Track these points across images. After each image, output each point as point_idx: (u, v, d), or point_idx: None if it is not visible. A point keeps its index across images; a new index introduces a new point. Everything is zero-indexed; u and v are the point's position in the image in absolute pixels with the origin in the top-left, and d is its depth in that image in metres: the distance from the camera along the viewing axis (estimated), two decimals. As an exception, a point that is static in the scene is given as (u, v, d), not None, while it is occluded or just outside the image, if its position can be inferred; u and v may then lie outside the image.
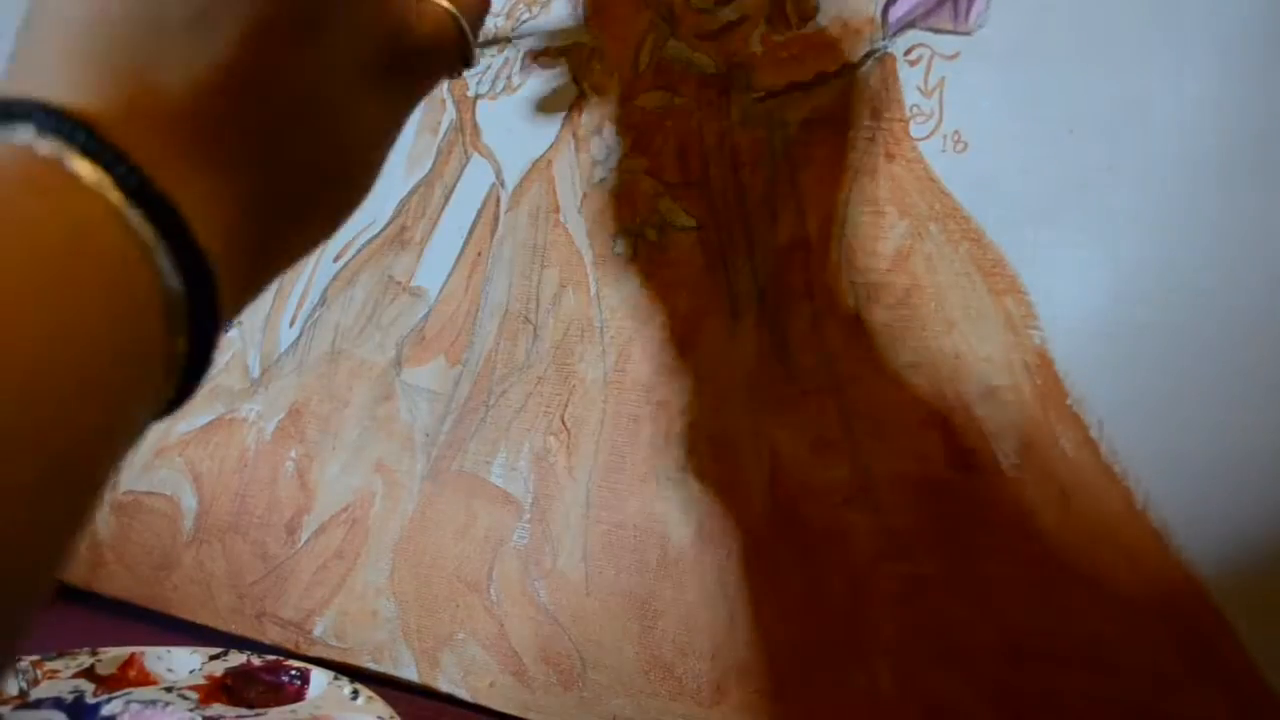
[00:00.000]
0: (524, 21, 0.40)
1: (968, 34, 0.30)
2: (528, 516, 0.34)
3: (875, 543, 0.28)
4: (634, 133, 0.35)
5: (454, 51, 0.27)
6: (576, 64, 0.38)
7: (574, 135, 0.37)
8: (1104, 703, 0.25)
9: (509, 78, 0.39)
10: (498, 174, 0.38)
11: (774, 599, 0.29)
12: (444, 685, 0.34)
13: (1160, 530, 0.25)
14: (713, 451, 0.31)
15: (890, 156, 0.30)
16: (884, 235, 0.30)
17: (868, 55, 0.32)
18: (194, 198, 0.20)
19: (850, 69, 0.32)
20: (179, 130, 0.20)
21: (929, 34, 0.31)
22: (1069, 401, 0.27)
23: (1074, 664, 0.25)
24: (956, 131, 0.30)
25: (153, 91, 0.20)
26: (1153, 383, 0.26)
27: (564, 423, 0.34)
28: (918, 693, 0.27)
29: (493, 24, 0.41)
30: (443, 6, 0.26)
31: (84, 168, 0.18)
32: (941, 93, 0.30)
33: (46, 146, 0.18)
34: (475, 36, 0.27)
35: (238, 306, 0.22)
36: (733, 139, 0.33)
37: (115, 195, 0.18)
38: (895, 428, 0.29)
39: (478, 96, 0.40)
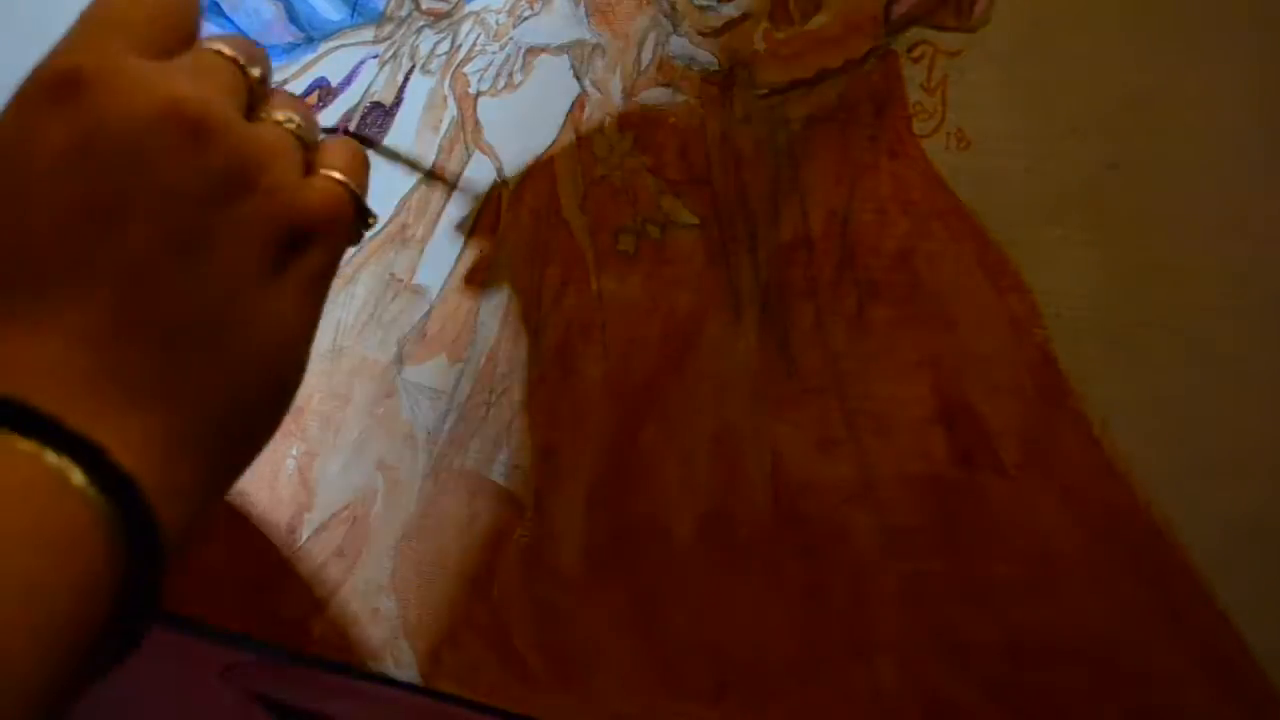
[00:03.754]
0: (525, 19, 0.40)
1: (971, 31, 0.30)
2: (529, 515, 0.34)
3: (877, 541, 0.28)
4: (636, 130, 0.35)
5: (350, 217, 0.26)
6: (579, 61, 0.38)
7: (576, 132, 0.37)
8: (1106, 701, 0.25)
9: (510, 75, 0.39)
10: (499, 171, 0.38)
11: (776, 597, 0.29)
12: (445, 684, 0.34)
13: (1162, 529, 0.25)
14: (715, 450, 0.31)
15: (893, 154, 0.30)
16: (886, 233, 0.30)
17: (870, 52, 0.32)
18: (114, 434, 0.20)
19: (853, 66, 0.32)
20: (80, 378, 0.20)
21: (932, 31, 0.31)
22: (1071, 400, 0.27)
23: (1075, 662, 0.25)
24: (959, 129, 0.30)
25: (44, 350, 0.20)
26: (1155, 382, 0.26)
27: (565, 420, 0.34)
28: (920, 691, 0.27)
29: (494, 21, 0.41)
30: (331, 178, 0.26)
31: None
32: (944, 90, 0.30)
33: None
34: (365, 196, 0.27)
35: (187, 525, 0.22)
36: (735, 136, 0.33)
37: (37, 450, 0.19)
38: (898, 426, 0.29)
39: (479, 94, 0.40)
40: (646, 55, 0.36)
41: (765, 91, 0.33)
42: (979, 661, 0.26)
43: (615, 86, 0.36)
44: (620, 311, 0.34)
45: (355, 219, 0.26)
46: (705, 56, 0.35)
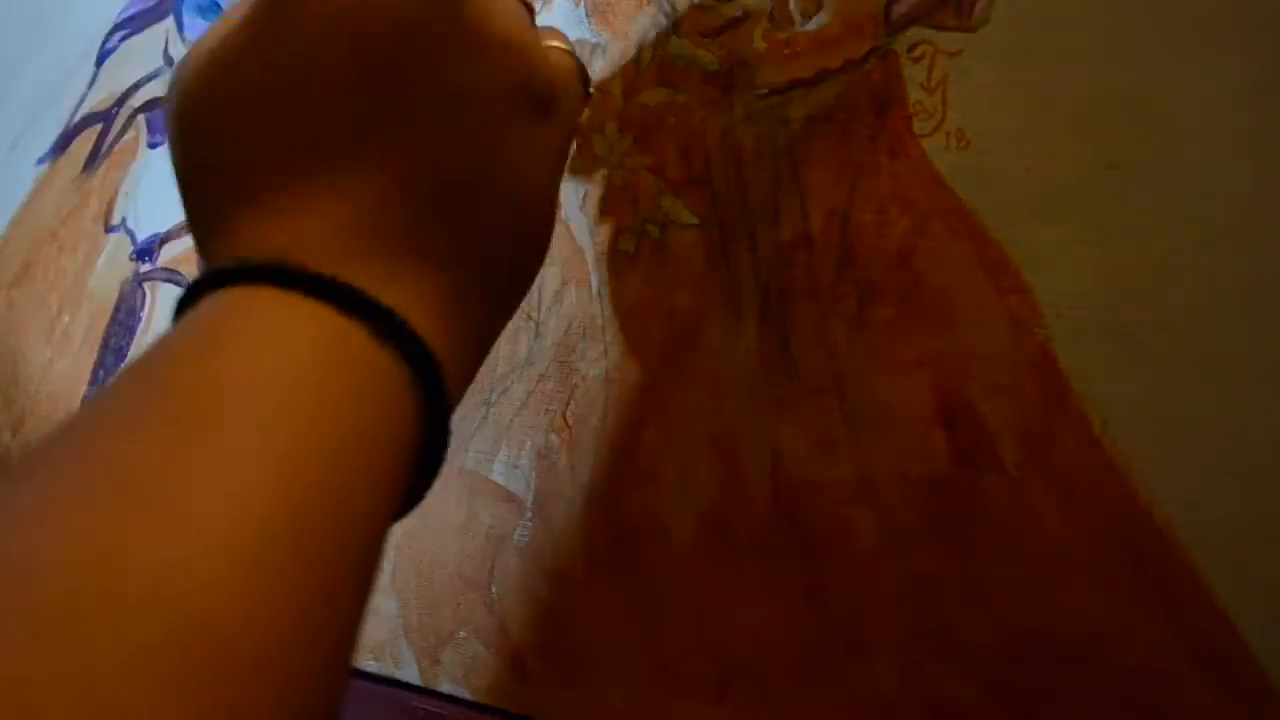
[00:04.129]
0: (526, 19, 0.40)
1: (971, 31, 0.30)
2: (529, 514, 0.34)
3: (878, 541, 0.28)
4: (636, 130, 0.35)
5: (578, 79, 0.28)
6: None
7: (576, 132, 0.37)
8: (1107, 701, 0.25)
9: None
10: (499, 171, 0.38)
11: (776, 597, 0.29)
12: (445, 684, 0.34)
13: (1162, 529, 0.25)
14: (714, 450, 0.31)
15: (893, 154, 0.30)
16: (887, 233, 0.30)
17: (870, 52, 0.32)
18: (409, 299, 0.21)
19: (853, 66, 0.32)
20: (378, 246, 0.22)
21: (932, 31, 0.31)
22: (1072, 399, 0.27)
23: (1077, 662, 0.25)
24: (960, 129, 0.30)
25: (346, 220, 0.22)
26: (1157, 381, 0.26)
27: (566, 420, 0.34)
28: (920, 691, 0.27)
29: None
30: (558, 47, 0.27)
31: (309, 305, 0.20)
32: (944, 90, 0.30)
33: (287, 296, 0.20)
34: (584, 66, 0.28)
35: (464, 385, 0.24)
36: (735, 136, 0.33)
37: (343, 322, 0.20)
38: (898, 426, 0.29)
39: (479, 94, 0.40)
40: (646, 55, 0.36)
41: (765, 91, 0.33)
42: (979, 661, 0.26)
43: (615, 86, 0.36)
44: (620, 311, 0.34)
45: (580, 83, 0.28)
46: (705, 57, 0.35)
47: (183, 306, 0.21)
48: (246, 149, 0.22)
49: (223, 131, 0.23)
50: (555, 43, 0.27)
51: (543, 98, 0.25)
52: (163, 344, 0.19)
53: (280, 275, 0.20)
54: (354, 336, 0.20)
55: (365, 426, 0.19)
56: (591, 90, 0.29)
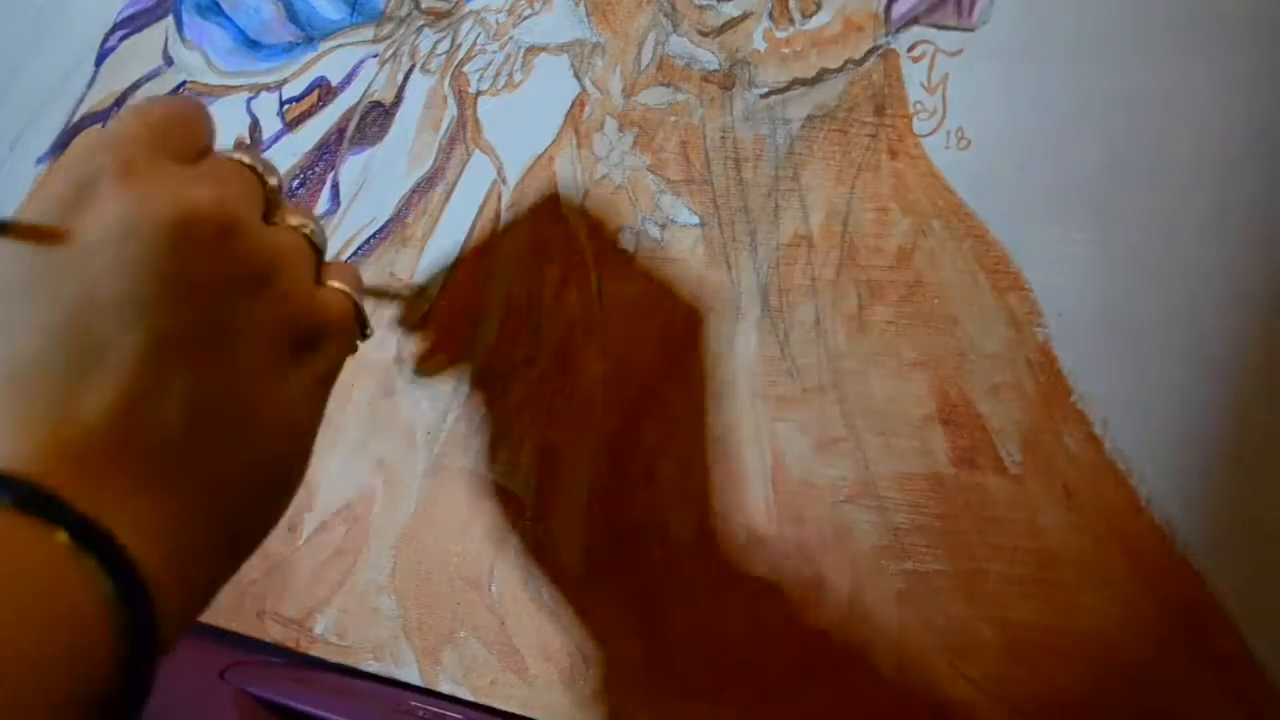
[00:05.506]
0: (525, 19, 0.40)
1: (971, 30, 0.30)
2: (529, 514, 0.34)
3: (877, 540, 0.28)
4: (636, 129, 0.35)
5: (352, 325, 0.28)
6: (579, 60, 0.38)
7: (576, 132, 0.37)
8: (1107, 701, 0.25)
9: (510, 74, 0.39)
10: (499, 171, 0.38)
11: (776, 597, 0.29)
12: (445, 683, 0.34)
13: (1163, 528, 0.25)
14: (715, 449, 0.31)
15: (893, 153, 0.30)
16: (887, 232, 0.30)
17: (871, 51, 0.32)
18: (125, 518, 0.21)
19: (853, 65, 0.32)
20: (98, 461, 0.21)
21: (932, 30, 0.31)
22: (1072, 399, 0.27)
23: (1077, 662, 0.25)
24: (960, 128, 0.30)
25: (63, 432, 0.21)
26: (1156, 380, 0.26)
27: (565, 420, 0.34)
28: (920, 691, 0.27)
29: (495, 20, 0.41)
30: (337, 289, 0.28)
31: (12, 516, 0.19)
32: (945, 89, 0.30)
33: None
34: (362, 309, 0.29)
35: (187, 615, 0.23)
36: (735, 135, 0.33)
37: (49, 531, 0.19)
38: (898, 425, 0.29)
39: (479, 93, 0.40)
40: (646, 54, 0.36)
41: (765, 91, 0.33)
42: (979, 661, 0.26)
43: (615, 86, 0.36)
44: (620, 311, 0.34)
45: (356, 327, 0.28)
46: (705, 56, 0.35)
47: None
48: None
49: None
50: (336, 283, 0.28)
51: (306, 339, 0.26)
52: None
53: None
54: (49, 545, 0.19)
55: (39, 635, 0.18)
56: (368, 332, 0.30)
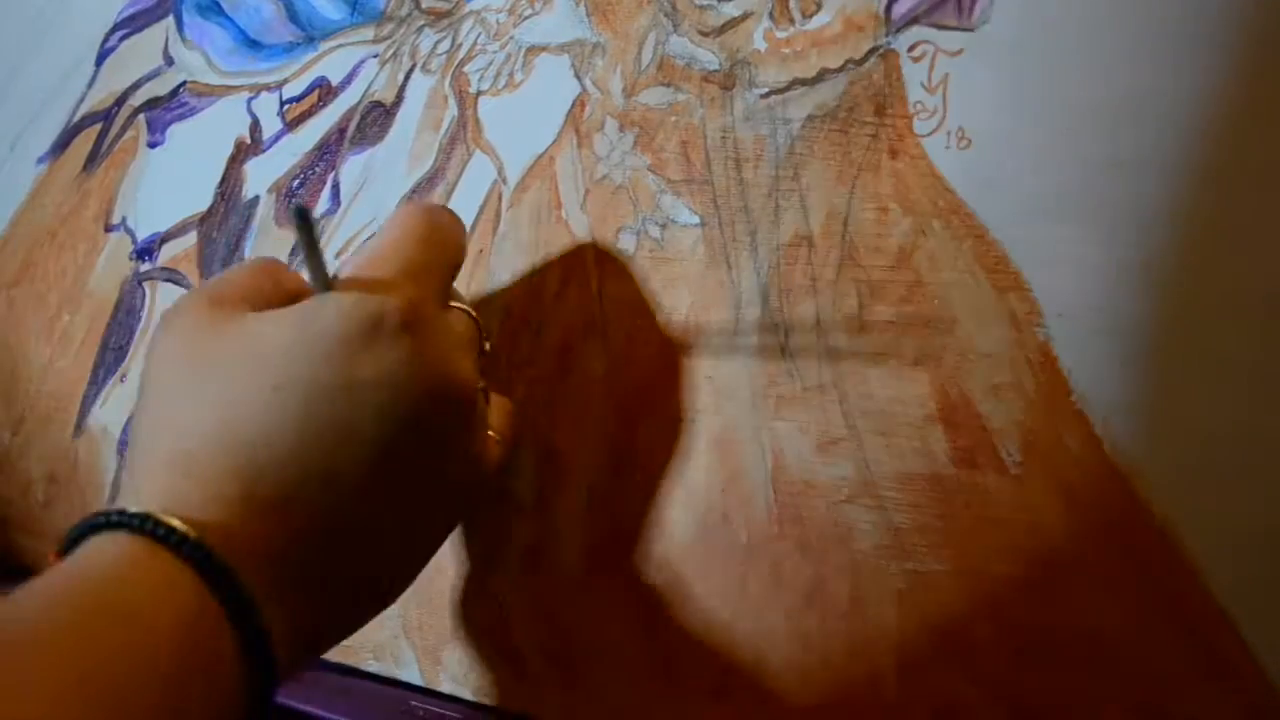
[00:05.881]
0: (525, 19, 0.40)
1: (971, 30, 0.30)
2: (529, 515, 0.34)
3: (878, 540, 0.28)
4: (637, 129, 0.35)
5: (496, 474, 0.32)
6: (579, 60, 0.38)
7: (576, 132, 0.37)
8: (1106, 701, 0.25)
9: (511, 74, 0.39)
10: (500, 171, 0.38)
11: (776, 597, 0.29)
12: (446, 684, 0.34)
13: (1163, 528, 0.25)
14: (715, 449, 0.31)
15: (894, 153, 0.30)
16: (887, 232, 0.30)
17: (871, 51, 0.32)
18: (279, 615, 0.23)
19: (854, 65, 0.32)
20: (285, 561, 0.23)
21: (933, 30, 0.31)
22: (1073, 399, 0.27)
23: (1076, 662, 0.25)
24: (960, 128, 0.30)
25: (276, 528, 0.23)
26: (1157, 380, 0.26)
27: (565, 420, 0.34)
28: (921, 691, 0.27)
29: (495, 20, 0.41)
30: (495, 438, 0.32)
31: (193, 582, 0.21)
32: (945, 89, 0.30)
33: (182, 569, 0.21)
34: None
35: (289, 675, 0.25)
36: (736, 135, 0.33)
37: (218, 610, 0.22)
38: (898, 425, 0.29)
39: (480, 93, 0.40)
40: (647, 54, 0.36)
41: (766, 91, 0.33)
42: (979, 661, 0.26)
43: (616, 86, 0.36)
44: (620, 311, 0.34)
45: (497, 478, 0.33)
46: (706, 56, 0.35)
47: (82, 534, 0.23)
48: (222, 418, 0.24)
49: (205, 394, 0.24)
50: (497, 436, 0.32)
51: (480, 492, 0.31)
52: (61, 592, 0.21)
53: (194, 551, 0.22)
54: (223, 633, 0.22)
55: (198, 710, 0.21)
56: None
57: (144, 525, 0.22)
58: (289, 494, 0.23)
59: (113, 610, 0.20)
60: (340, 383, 0.24)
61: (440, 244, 0.28)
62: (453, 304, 0.30)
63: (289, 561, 0.23)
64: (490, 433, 0.31)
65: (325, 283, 0.25)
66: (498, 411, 0.32)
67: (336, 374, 0.24)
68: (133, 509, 0.22)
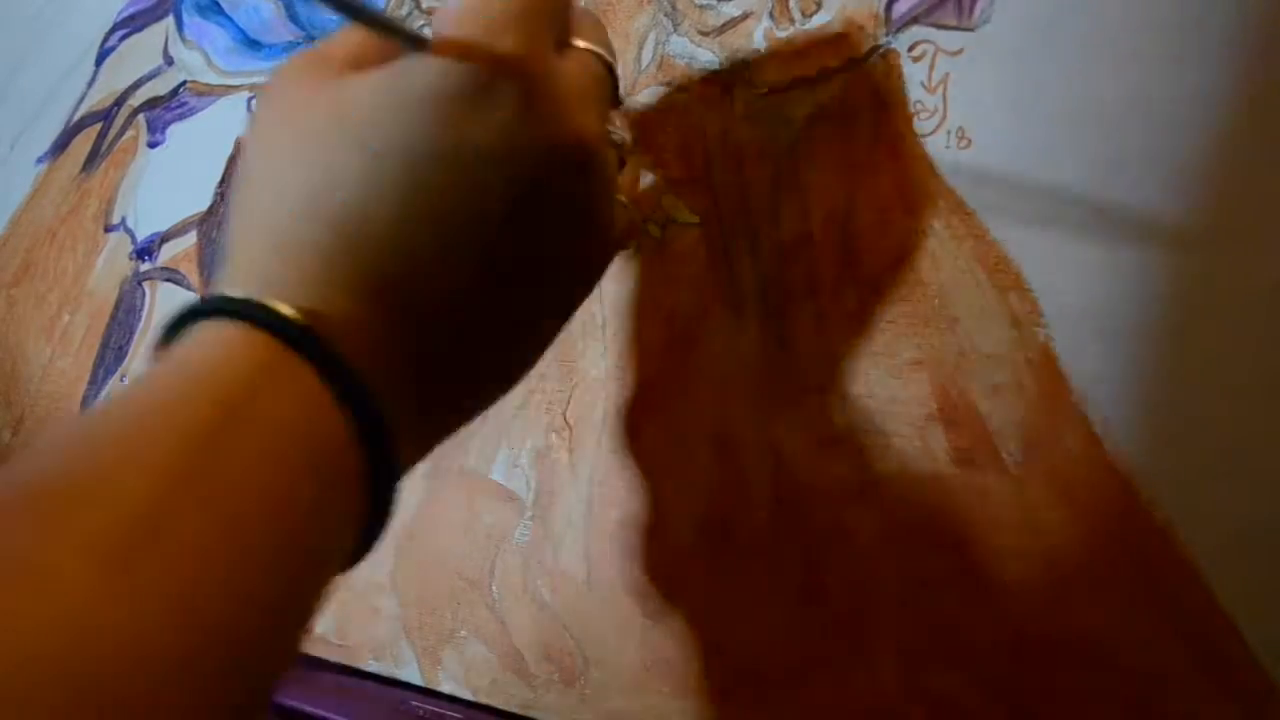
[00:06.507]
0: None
1: (972, 30, 0.30)
2: (530, 514, 0.34)
3: (877, 541, 0.28)
4: (636, 129, 0.35)
5: (623, 242, 0.30)
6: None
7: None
8: (1107, 700, 0.25)
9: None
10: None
11: (777, 597, 0.29)
12: (446, 684, 0.34)
13: (1164, 528, 0.25)
14: (715, 449, 0.31)
15: (894, 153, 0.30)
16: (888, 232, 0.30)
17: (872, 51, 0.32)
18: (398, 404, 0.21)
19: (854, 65, 0.32)
20: (398, 347, 0.22)
21: (933, 30, 0.31)
22: (1073, 399, 0.27)
23: (1075, 662, 0.25)
24: (960, 128, 0.30)
25: (386, 311, 0.22)
26: (1157, 380, 0.26)
27: (566, 420, 0.34)
28: (921, 691, 0.27)
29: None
30: (624, 203, 0.29)
31: (308, 372, 0.20)
32: (945, 89, 0.30)
33: (284, 349, 0.20)
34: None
35: (409, 469, 0.24)
36: (736, 135, 0.33)
37: (333, 398, 0.20)
38: (898, 425, 0.29)
39: (479, 93, 0.40)
40: (647, 54, 0.36)
41: (766, 90, 0.33)
42: (980, 661, 0.26)
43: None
44: (621, 310, 0.34)
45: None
46: (706, 55, 0.35)
47: (181, 323, 0.21)
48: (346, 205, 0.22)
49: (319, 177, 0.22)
50: (623, 198, 0.29)
51: (606, 263, 0.28)
52: (158, 378, 0.20)
53: (309, 344, 0.20)
54: (337, 421, 0.20)
55: (311, 509, 0.19)
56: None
57: (248, 311, 0.20)
58: (396, 275, 0.22)
59: (221, 401, 0.19)
60: (446, 148, 0.21)
61: None
62: (576, 42, 0.26)
63: (406, 349, 0.22)
64: (620, 197, 0.28)
65: (414, 40, 0.22)
66: (630, 172, 0.30)
67: (441, 138, 0.21)
68: (232, 293, 0.21)
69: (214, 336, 0.20)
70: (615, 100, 0.27)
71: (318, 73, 0.23)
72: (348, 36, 0.25)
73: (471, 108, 0.22)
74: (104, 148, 0.52)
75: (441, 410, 0.24)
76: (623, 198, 0.28)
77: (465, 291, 0.23)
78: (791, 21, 0.33)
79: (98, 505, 0.16)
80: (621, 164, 0.28)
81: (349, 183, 0.21)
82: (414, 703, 0.34)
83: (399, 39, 0.22)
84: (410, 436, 0.22)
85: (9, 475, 0.18)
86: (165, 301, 0.46)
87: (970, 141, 0.29)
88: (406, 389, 0.22)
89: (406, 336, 0.22)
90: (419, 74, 0.22)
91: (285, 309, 0.20)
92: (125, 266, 0.48)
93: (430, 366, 0.23)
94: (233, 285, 0.21)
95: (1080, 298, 0.27)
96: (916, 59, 0.31)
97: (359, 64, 0.24)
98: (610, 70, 0.26)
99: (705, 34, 0.35)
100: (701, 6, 0.35)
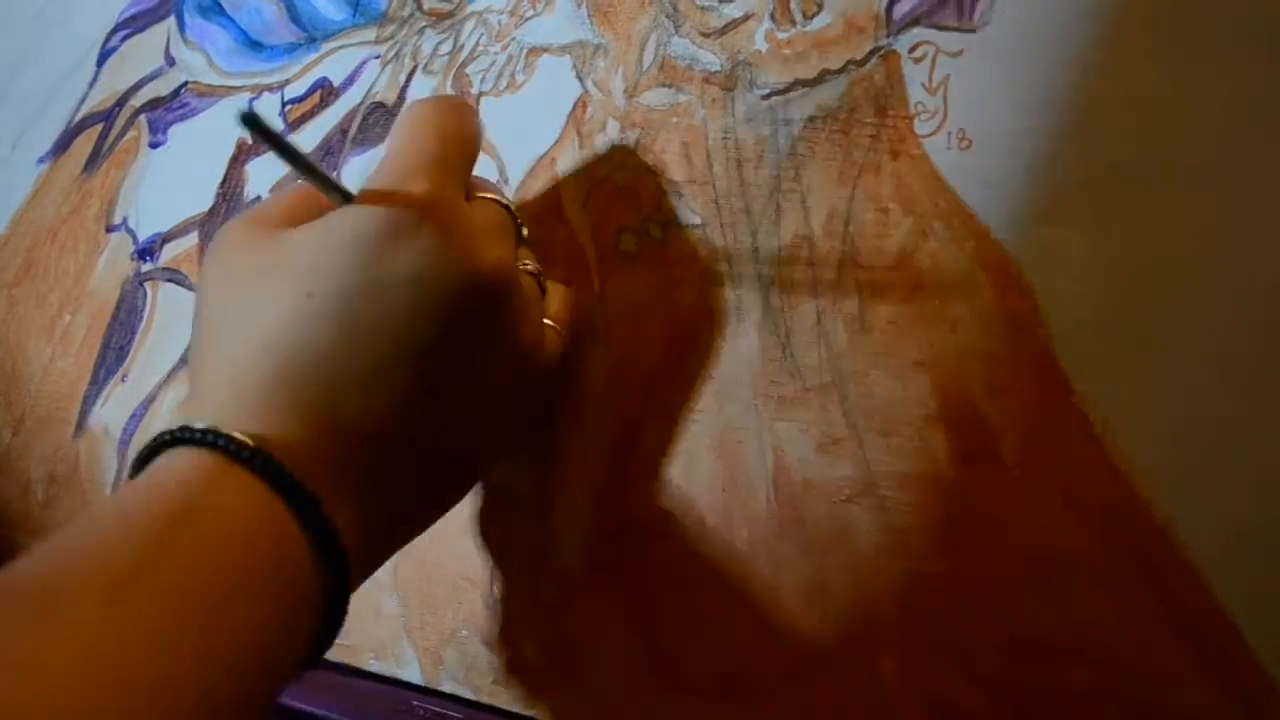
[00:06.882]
0: (527, 20, 0.40)
1: (972, 31, 0.30)
2: (530, 514, 0.34)
3: (879, 540, 0.28)
4: (638, 130, 0.35)
5: (558, 364, 0.32)
6: (581, 62, 0.38)
7: (578, 133, 0.37)
8: (1107, 699, 0.25)
9: (512, 75, 0.39)
10: (501, 171, 0.38)
11: (777, 596, 0.29)
12: (447, 683, 0.34)
13: (1163, 528, 0.25)
14: (716, 449, 0.31)
15: (895, 154, 0.30)
16: (888, 233, 0.30)
17: (872, 52, 0.32)
18: (344, 514, 0.24)
19: (855, 66, 0.32)
20: (341, 462, 0.24)
21: (934, 31, 0.31)
22: (1073, 399, 0.27)
23: (1076, 661, 0.25)
24: (961, 129, 0.30)
25: (327, 430, 0.24)
26: (1156, 382, 0.26)
27: (566, 421, 0.34)
28: (921, 691, 0.27)
29: (497, 21, 0.41)
30: (553, 327, 0.31)
31: (269, 496, 0.22)
32: (946, 90, 0.30)
33: (249, 477, 0.22)
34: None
35: (363, 575, 0.26)
36: (737, 136, 0.33)
37: (293, 522, 0.23)
38: (899, 425, 0.29)
39: (481, 94, 0.40)
40: (648, 56, 0.36)
41: (767, 91, 0.33)
42: (980, 661, 0.26)
43: (617, 87, 0.36)
44: (622, 311, 0.34)
45: (558, 369, 0.32)
46: (707, 57, 0.35)
47: (152, 451, 0.24)
48: (277, 338, 0.24)
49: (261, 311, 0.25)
50: (555, 324, 0.32)
51: (538, 375, 0.30)
52: (132, 502, 0.22)
53: (263, 465, 0.23)
54: (292, 534, 0.23)
55: (268, 620, 0.22)
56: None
57: (204, 438, 0.23)
58: (335, 398, 0.24)
59: (185, 517, 0.21)
60: (369, 282, 0.24)
61: (452, 135, 0.28)
62: (480, 194, 0.30)
63: (347, 464, 0.24)
64: (547, 320, 0.31)
65: (342, 193, 0.26)
66: (555, 298, 0.32)
67: (364, 275, 0.24)
68: (193, 423, 0.23)
69: (177, 462, 0.23)
70: (520, 238, 0.30)
71: (259, 229, 0.27)
72: (280, 199, 0.28)
73: (393, 243, 0.25)
74: (105, 148, 0.52)
75: (389, 519, 0.27)
76: (549, 321, 0.31)
77: (402, 406, 0.25)
78: (793, 23, 0.33)
79: (54, 611, 0.19)
80: (543, 290, 0.31)
81: (290, 322, 0.24)
82: (415, 702, 0.34)
83: (328, 190, 0.26)
84: (361, 543, 0.25)
85: None
86: (167, 301, 0.46)
87: (971, 142, 0.29)
88: (354, 500, 0.24)
89: (352, 452, 0.25)
90: (347, 221, 0.25)
91: (238, 435, 0.23)
92: (127, 267, 0.48)
93: (375, 476, 0.25)
94: (195, 416, 0.24)
95: (1080, 298, 0.27)
96: (917, 60, 0.31)
97: (293, 220, 0.27)
98: (510, 213, 0.30)
99: (707, 35, 0.35)
100: (703, 8, 0.35)
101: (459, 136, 0.28)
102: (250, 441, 0.23)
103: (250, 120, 0.22)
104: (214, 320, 0.26)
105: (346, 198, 0.26)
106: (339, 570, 0.23)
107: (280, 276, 0.25)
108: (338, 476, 0.24)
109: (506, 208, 0.30)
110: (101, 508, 0.22)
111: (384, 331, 0.24)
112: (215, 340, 0.26)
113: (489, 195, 0.30)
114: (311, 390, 0.24)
